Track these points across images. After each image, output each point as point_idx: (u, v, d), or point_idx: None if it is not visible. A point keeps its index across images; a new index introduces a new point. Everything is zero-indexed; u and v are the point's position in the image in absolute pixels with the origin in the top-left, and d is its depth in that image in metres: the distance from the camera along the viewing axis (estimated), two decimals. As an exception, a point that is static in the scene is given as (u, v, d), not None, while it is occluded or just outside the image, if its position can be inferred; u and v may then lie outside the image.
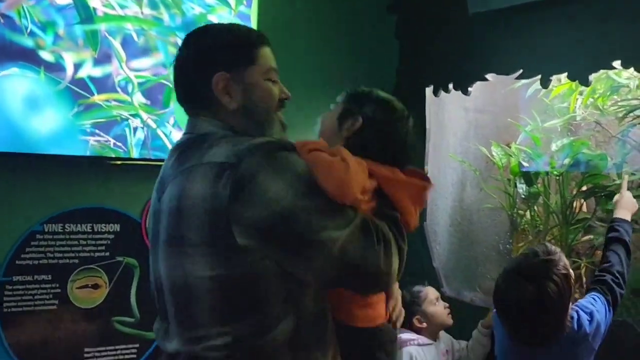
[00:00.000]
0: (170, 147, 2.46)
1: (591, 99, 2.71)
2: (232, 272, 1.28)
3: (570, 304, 1.93)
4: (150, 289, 1.48)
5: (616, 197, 2.26)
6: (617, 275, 2.05)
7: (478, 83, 3.12)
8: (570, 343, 1.92)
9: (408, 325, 2.53)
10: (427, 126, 2.98)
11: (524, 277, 1.92)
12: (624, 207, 2.18)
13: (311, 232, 1.26)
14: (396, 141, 1.54)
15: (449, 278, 3.04)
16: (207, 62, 1.40)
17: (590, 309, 1.96)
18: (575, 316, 1.93)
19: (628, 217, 2.17)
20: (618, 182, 2.44)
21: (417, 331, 2.58)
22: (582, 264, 2.60)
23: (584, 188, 2.54)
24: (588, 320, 1.94)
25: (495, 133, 3.17)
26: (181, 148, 1.41)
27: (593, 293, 2.04)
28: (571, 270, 1.94)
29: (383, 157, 1.47)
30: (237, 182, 1.25)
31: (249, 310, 1.30)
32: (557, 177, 2.59)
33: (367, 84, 3.15)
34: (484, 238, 3.16)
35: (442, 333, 2.67)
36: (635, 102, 2.57)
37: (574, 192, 2.59)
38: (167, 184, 1.38)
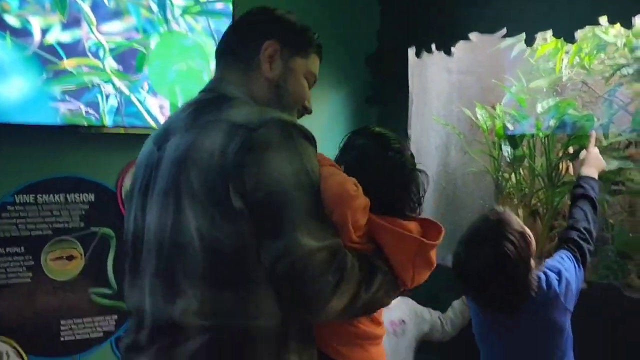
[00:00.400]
0: (144, 113, 2.44)
1: (577, 59, 2.65)
2: (224, 235, 1.24)
3: (537, 264, 1.88)
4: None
5: (582, 153, 2.20)
6: (583, 231, 2.00)
7: (462, 44, 3.05)
8: (541, 305, 1.87)
9: None
10: (410, 89, 2.92)
11: (479, 242, 1.88)
12: (591, 164, 2.13)
13: (288, 225, 1.22)
14: (395, 182, 1.46)
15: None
16: (269, 27, 1.43)
17: (558, 268, 1.91)
18: (543, 277, 1.88)
19: (595, 175, 2.11)
20: (605, 143, 2.39)
21: None
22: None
23: (570, 150, 2.48)
24: (557, 279, 1.88)
25: (480, 95, 3.11)
26: (198, 104, 1.41)
27: (560, 251, 1.99)
28: (527, 229, 1.89)
29: (380, 198, 1.39)
30: (248, 147, 1.23)
31: (233, 283, 1.26)
32: (543, 140, 2.53)
33: (349, 47, 3.11)
34: (470, 202, 3.12)
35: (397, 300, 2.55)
36: (622, 60, 2.51)
37: (560, 154, 2.54)
38: (174, 135, 1.36)
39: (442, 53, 2.78)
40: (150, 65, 2.47)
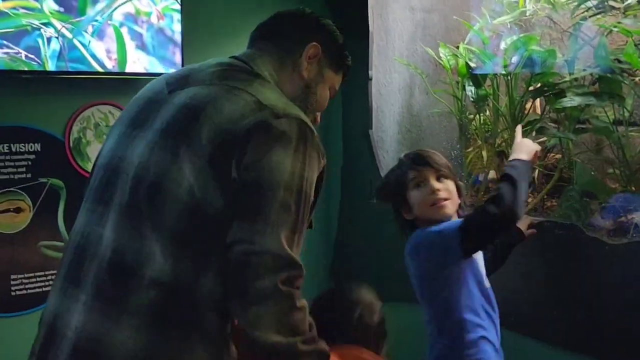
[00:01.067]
0: (89, 58, 2.32)
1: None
2: (212, 198, 1.24)
3: None
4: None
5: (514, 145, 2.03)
6: (480, 214, 1.82)
7: (426, -20, 2.96)
8: None
9: None
10: (370, 29, 2.81)
11: None
12: (521, 150, 1.94)
13: (261, 217, 1.22)
14: None
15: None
16: (317, 32, 1.49)
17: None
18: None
19: (524, 157, 1.91)
20: (567, 79, 2.31)
21: None
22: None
23: (532, 88, 2.41)
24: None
25: (445, 34, 3.02)
26: (229, 67, 1.41)
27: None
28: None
29: None
30: (263, 129, 1.25)
31: (200, 247, 1.25)
32: (506, 78, 2.45)
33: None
34: (435, 145, 3.03)
35: None
36: (587, -7, 2.42)
37: (523, 93, 2.46)
38: (193, 85, 1.35)
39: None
40: (94, 6, 2.34)
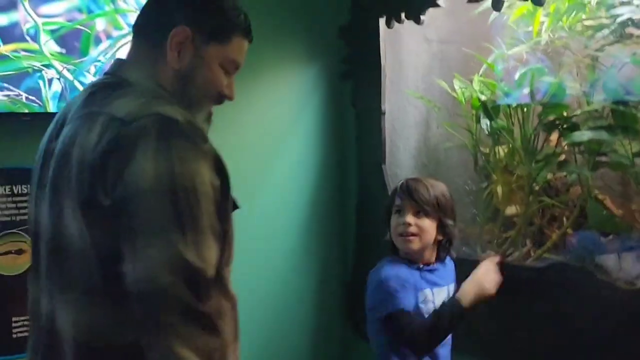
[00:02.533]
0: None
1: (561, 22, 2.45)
2: (99, 237, 1.15)
3: None
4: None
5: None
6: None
7: (441, 12, 2.88)
8: None
9: None
10: (382, 62, 2.75)
11: None
12: (473, 291, 1.97)
13: (135, 230, 1.10)
14: None
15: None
16: (181, 10, 1.29)
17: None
18: None
19: (466, 301, 1.95)
20: (579, 112, 2.20)
21: None
22: (550, 203, 2.39)
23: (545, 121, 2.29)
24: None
25: (464, 65, 2.91)
26: (93, 89, 1.30)
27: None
28: None
29: None
30: (115, 144, 1.13)
31: (109, 292, 1.16)
32: (515, 110, 2.35)
33: (321, 18, 2.95)
34: (454, 179, 2.94)
35: None
36: (606, 21, 2.31)
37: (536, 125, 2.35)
38: (69, 122, 1.27)
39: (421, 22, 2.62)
40: (97, 47, 2.35)
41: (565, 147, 2.39)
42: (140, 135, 1.12)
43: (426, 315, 1.91)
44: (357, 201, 2.95)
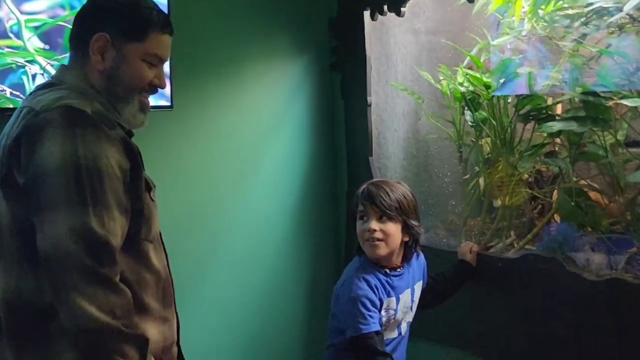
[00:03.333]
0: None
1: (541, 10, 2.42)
2: (18, 213, 1.32)
3: None
4: None
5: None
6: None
7: (429, 3, 2.88)
8: None
9: None
10: (368, 54, 2.75)
11: None
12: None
13: (44, 206, 1.26)
14: None
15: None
16: (97, 19, 1.44)
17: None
18: None
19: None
20: (551, 103, 2.18)
21: None
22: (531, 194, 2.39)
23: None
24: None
25: (453, 56, 2.90)
26: (35, 89, 1.47)
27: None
28: None
29: None
30: (26, 130, 1.30)
31: (34, 258, 1.29)
32: (489, 101, 2.34)
33: (310, 11, 2.97)
34: (445, 170, 2.94)
35: None
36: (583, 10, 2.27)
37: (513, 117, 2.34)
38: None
39: (409, 13, 2.63)
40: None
41: (557, 140, 2.37)
42: (47, 124, 1.27)
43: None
44: (347, 192, 2.96)
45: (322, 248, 3.06)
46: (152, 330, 1.40)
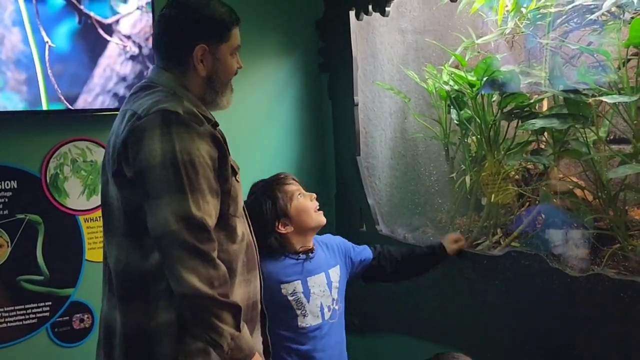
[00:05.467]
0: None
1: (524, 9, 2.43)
2: (126, 198, 1.59)
3: None
4: None
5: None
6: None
7: (416, 3, 2.90)
8: None
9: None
10: (354, 53, 2.77)
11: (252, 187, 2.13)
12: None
13: (151, 194, 1.51)
14: None
15: (391, 214, 2.87)
16: (192, 32, 1.65)
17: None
18: None
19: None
20: (533, 101, 2.19)
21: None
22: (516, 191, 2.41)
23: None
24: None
25: (440, 55, 2.92)
26: (133, 91, 1.70)
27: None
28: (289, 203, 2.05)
29: None
30: (131, 132, 1.55)
31: (132, 234, 1.59)
32: (473, 99, 2.35)
33: (298, 11, 2.98)
34: (432, 169, 2.96)
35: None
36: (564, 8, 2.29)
37: (497, 115, 2.35)
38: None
39: (395, 13, 2.64)
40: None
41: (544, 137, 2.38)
42: (148, 126, 1.52)
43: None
44: (336, 191, 2.98)
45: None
46: (239, 290, 1.64)
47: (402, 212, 2.89)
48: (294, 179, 2.10)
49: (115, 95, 2.51)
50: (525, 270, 2.06)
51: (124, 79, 2.53)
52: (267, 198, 2.05)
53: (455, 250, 2.26)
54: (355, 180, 2.82)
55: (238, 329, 1.53)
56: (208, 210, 1.53)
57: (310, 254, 2.07)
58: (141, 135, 1.52)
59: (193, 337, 1.55)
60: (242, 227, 1.70)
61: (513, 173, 2.54)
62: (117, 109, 2.45)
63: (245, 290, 1.68)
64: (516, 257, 2.10)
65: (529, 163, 2.50)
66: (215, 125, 1.63)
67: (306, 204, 2.07)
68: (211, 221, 1.53)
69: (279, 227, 2.03)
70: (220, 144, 1.60)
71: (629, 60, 1.98)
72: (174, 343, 1.57)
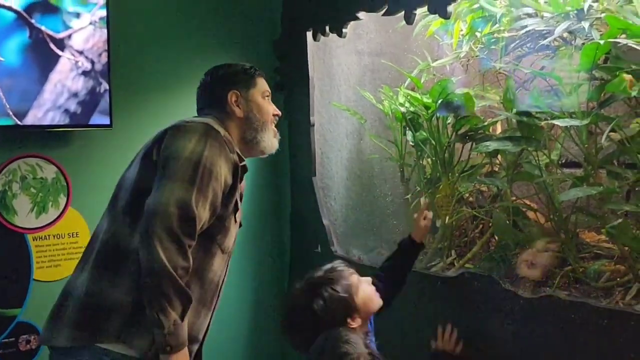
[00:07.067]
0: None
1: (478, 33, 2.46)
2: (145, 176, 1.75)
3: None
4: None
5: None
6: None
7: (373, 25, 2.91)
8: None
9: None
10: (311, 74, 2.77)
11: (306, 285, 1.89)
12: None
13: (168, 177, 1.67)
14: None
15: (345, 235, 2.86)
16: (225, 83, 1.96)
17: None
18: None
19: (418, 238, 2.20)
20: (486, 123, 2.21)
21: None
22: (470, 213, 2.41)
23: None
24: None
25: (397, 77, 2.94)
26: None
27: None
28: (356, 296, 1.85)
29: None
30: (172, 127, 1.78)
31: (135, 214, 1.70)
32: (429, 121, 2.37)
33: (256, 32, 2.97)
34: (387, 190, 2.96)
35: None
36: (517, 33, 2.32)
37: (452, 137, 2.37)
38: None
39: (352, 35, 2.65)
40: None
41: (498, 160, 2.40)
42: (190, 129, 1.74)
43: None
44: (291, 212, 2.96)
45: (266, 268, 3.05)
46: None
47: (358, 233, 2.88)
48: (348, 266, 1.94)
49: (66, 111, 2.46)
50: (478, 292, 2.06)
51: (75, 94, 2.49)
52: (332, 297, 1.83)
53: (425, 230, 2.22)
54: (310, 201, 2.80)
55: (182, 318, 1.64)
56: (202, 214, 1.68)
57: (368, 335, 1.91)
58: (182, 133, 1.73)
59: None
60: (219, 265, 1.83)
61: (467, 195, 2.56)
62: (68, 125, 2.43)
63: (191, 319, 1.73)
64: (469, 279, 2.10)
65: (482, 185, 2.53)
66: (241, 159, 1.84)
67: (368, 290, 1.91)
68: (199, 223, 1.68)
69: (350, 323, 1.82)
70: (236, 176, 1.79)
71: (580, 85, 2.01)
72: (121, 324, 1.67)
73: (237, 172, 1.80)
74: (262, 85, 2.01)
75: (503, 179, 2.30)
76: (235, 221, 1.86)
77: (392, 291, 2.09)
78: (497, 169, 2.44)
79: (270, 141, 1.97)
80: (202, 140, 1.72)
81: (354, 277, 1.89)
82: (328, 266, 1.92)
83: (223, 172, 1.74)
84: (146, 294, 1.62)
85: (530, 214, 2.34)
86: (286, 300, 1.92)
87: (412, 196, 2.67)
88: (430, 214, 2.23)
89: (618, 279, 1.98)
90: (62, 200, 2.54)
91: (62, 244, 2.54)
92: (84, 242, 2.53)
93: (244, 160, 1.86)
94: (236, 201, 1.83)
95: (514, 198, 2.35)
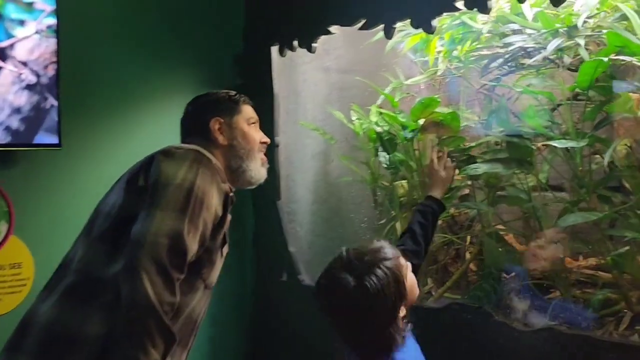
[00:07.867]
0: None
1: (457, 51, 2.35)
2: (128, 204, 1.63)
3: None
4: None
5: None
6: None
7: (341, 41, 2.77)
8: None
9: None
10: (276, 91, 2.60)
11: (345, 270, 1.58)
12: (436, 184, 2.07)
13: (156, 205, 1.54)
14: None
15: (312, 263, 2.68)
16: (207, 111, 1.87)
17: None
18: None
19: (438, 195, 2.05)
20: (474, 144, 2.10)
21: None
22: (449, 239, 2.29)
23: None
24: None
25: (366, 96, 2.79)
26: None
27: None
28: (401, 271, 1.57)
29: None
30: (160, 152, 1.66)
31: (114, 242, 1.60)
32: (406, 142, 2.24)
33: (217, 47, 2.80)
34: (359, 215, 2.80)
35: None
36: (500, 50, 2.22)
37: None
38: None
39: (320, 51, 2.50)
40: None
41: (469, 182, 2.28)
42: (181, 155, 1.63)
43: None
44: (253, 237, 2.78)
45: (227, 293, 2.84)
46: None
47: (325, 261, 2.70)
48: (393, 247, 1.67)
49: (8, 128, 2.21)
50: (468, 324, 1.93)
51: (18, 110, 2.24)
52: (388, 279, 1.54)
53: (446, 182, 2.11)
54: (275, 226, 2.63)
55: (164, 358, 1.50)
56: (192, 246, 1.56)
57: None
58: (171, 158, 1.62)
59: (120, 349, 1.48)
60: (201, 300, 1.70)
61: (440, 221, 2.44)
62: (9, 145, 2.19)
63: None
64: (458, 310, 1.96)
65: (455, 210, 2.41)
66: (231, 189, 1.72)
67: (413, 277, 1.66)
68: (189, 256, 1.55)
69: (400, 311, 1.58)
70: (226, 207, 1.68)
71: (573, 103, 1.92)
72: (91, 358, 1.52)
73: (228, 202, 1.69)
74: (247, 112, 1.91)
75: (483, 203, 2.19)
76: (222, 255, 1.74)
77: (415, 267, 1.79)
78: (471, 193, 2.33)
79: (258, 170, 1.87)
80: (194, 168, 1.61)
81: (403, 260, 1.61)
82: (377, 244, 1.64)
83: (214, 203, 1.62)
84: (126, 330, 1.46)
85: (509, 239, 2.23)
86: (330, 276, 1.62)
87: (387, 220, 2.51)
88: (450, 162, 2.10)
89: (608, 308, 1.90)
90: (4, 227, 2.29)
91: (2, 276, 2.28)
92: (27, 274, 2.30)
93: (233, 190, 1.75)
94: (224, 234, 1.72)
95: (493, 223, 2.24)
